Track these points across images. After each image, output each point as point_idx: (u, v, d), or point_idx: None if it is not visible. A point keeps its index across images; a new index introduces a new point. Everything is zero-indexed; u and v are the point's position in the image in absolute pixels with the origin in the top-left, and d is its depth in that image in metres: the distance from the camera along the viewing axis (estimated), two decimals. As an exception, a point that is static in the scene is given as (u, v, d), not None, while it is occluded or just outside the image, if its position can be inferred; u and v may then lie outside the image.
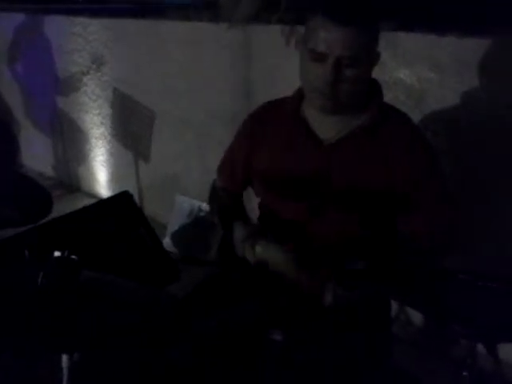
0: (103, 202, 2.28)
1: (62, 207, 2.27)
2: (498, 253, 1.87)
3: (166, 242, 2.64)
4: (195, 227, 2.61)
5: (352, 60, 1.22)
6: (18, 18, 3.47)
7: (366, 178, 1.34)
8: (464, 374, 1.16)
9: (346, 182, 1.35)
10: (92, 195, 3.43)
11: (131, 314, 1.18)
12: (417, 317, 2.04)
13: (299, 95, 1.39)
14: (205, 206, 2.57)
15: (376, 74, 1.37)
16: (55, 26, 3.28)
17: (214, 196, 1.64)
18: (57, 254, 1.09)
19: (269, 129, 1.45)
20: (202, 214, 2.60)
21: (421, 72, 1.90)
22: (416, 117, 1.49)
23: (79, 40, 3.12)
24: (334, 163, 1.35)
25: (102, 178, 3.39)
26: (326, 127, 1.36)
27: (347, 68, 1.23)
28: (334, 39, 1.20)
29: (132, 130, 3.02)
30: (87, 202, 2.76)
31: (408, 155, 1.33)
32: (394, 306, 1.60)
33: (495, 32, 1.77)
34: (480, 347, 1.20)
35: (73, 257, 1.11)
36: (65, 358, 1.05)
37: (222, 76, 2.52)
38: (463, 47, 1.80)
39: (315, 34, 1.23)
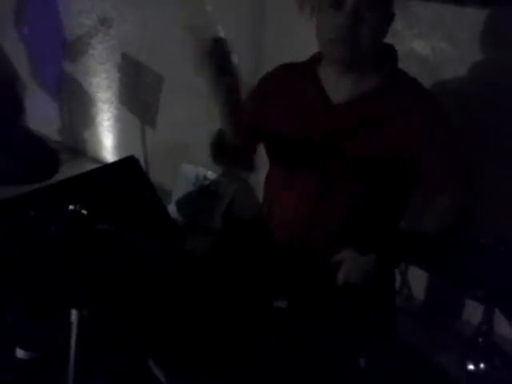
0: (109, 166, 2.27)
1: (68, 172, 2.26)
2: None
3: (171, 208, 2.64)
4: (200, 195, 2.61)
5: (369, 4, 1.23)
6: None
7: (375, 139, 1.34)
8: (480, 340, 1.16)
9: (355, 144, 1.34)
10: (98, 160, 3.42)
11: (148, 268, 1.19)
12: (419, 290, 2.05)
13: (315, 59, 1.40)
14: (210, 174, 2.56)
15: (389, 43, 1.35)
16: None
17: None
18: (69, 207, 1.10)
19: (282, 91, 1.46)
20: (207, 182, 2.59)
21: (435, 43, 1.86)
22: (429, 88, 1.46)
23: (87, 1, 3.06)
24: (344, 124, 1.35)
25: (108, 144, 3.37)
26: (339, 89, 1.36)
27: (365, 13, 1.23)
28: None
29: (139, 95, 2.99)
30: (93, 166, 2.75)
31: (418, 120, 1.32)
32: (397, 279, 1.59)
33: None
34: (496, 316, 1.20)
35: (84, 211, 1.11)
36: (74, 313, 1.05)
37: (233, 40, 2.47)
38: (480, 19, 1.76)
39: None
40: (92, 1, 3.03)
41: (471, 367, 1.19)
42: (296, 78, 1.43)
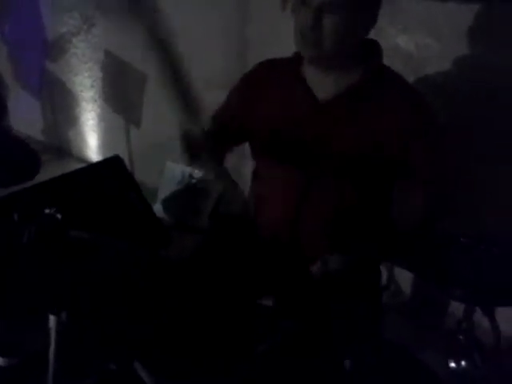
0: (93, 166, 2.25)
1: (52, 172, 2.24)
2: (500, 216, 1.86)
3: (157, 208, 2.62)
4: (186, 194, 2.59)
5: (334, 7, 1.23)
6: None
7: (359, 136, 1.34)
8: (460, 337, 1.16)
9: (341, 140, 1.35)
10: (82, 160, 3.39)
11: (121, 271, 1.18)
12: (406, 286, 2.05)
13: (298, 56, 1.39)
14: (196, 173, 2.55)
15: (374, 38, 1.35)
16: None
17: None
18: (43, 211, 1.08)
19: (266, 87, 1.46)
20: (193, 180, 2.58)
21: (419, 39, 1.86)
22: (413, 84, 1.47)
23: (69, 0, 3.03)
24: (329, 120, 1.36)
25: (92, 143, 3.34)
26: (323, 86, 1.36)
27: (329, 15, 1.24)
28: None
29: (123, 93, 2.97)
30: (78, 166, 2.72)
31: (403, 115, 1.32)
32: (384, 275, 1.59)
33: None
34: (476, 315, 1.21)
35: (59, 215, 1.09)
36: (52, 318, 1.03)
37: (217, 37, 2.46)
38: (463, 14, 1.76)
39: None
40: (75, -1, 3.00)
41: (453, 365, 1.20)
42: (280, 74, 1.43)
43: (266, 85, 1.46)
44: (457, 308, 1.67)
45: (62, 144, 3.54)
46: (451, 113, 1.82)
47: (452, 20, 1.79)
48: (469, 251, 1.13)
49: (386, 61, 1.40)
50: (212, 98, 2.44)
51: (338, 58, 1.32)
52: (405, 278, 2.01)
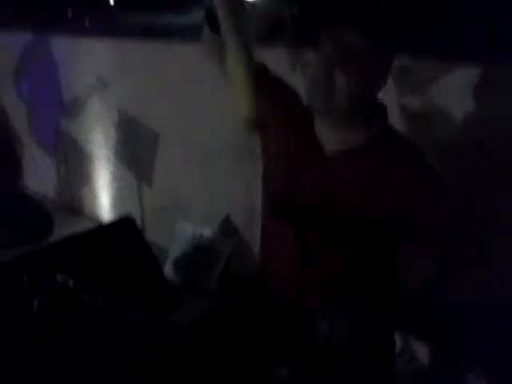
0: (105, 227, 2.26)
1: (65, 231, 2.25)
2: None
3: (168, 269, 2.60)
4: (197, 254, 2.57)
5: (347, 58, 1.24)
6: (26, 36, 3.47)
7: (363, 193, 1.33)
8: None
9: (345, 198, 1.34)
10: (94, 219, 3.40)
11: (133, 341, 1.15)
12: (422, 353, 1.98)
13: (308, 109, 1.40)
14: (207, 232, 2.54)
15: (381, 98, 1.37)
16: (62, 47, 3.29)
17: None
18: (54, 278, 1.07)
19: (282, 130, 1.47)
20: (204, 240, 2.56)
21: (425, 98, 1.88)
22: (419, 142, 1.47)
23: (85, 61, 3.12)
24: (334, 175, 1.36)
25: (104, 202, 3.37)
26: (331, 139, 1.37)
27: (341, 70, 1.25)
28: (338, 39, 1.25)
29: (136, 152, 3.01)
30: (89, 225, 2.73)
31: (407, 178, 1.32)
32: (398, 342, 1.55)
33: (497, 59, 1.76)
34: None
35: (71, 282, 1.08)
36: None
37: (227, 100, 2.51)
38: (467, 75, 1.79)
39: (322, 40, 1.28)
40: (91, 61, 3.09)
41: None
42: (295, 122, 1.44)
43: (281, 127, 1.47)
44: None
45: (75, 203, 3.57)
46: (457, 167, 1.82)
47: (457, 80, 1.81)
48: (480, 320, 1.09)
49: (393, 120, 1.41)
50: (224, 155, 2.47)
51: (347, 114, 1.32)
52: (420, 345, 1.95)
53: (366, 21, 1.28)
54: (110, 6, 3.30)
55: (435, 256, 1.38)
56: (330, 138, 1.37)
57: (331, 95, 1.27)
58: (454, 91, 1.83)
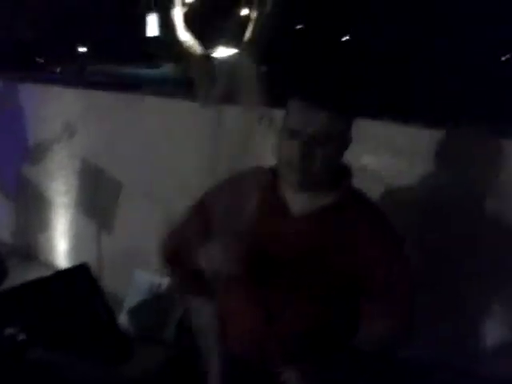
0: (60, 274, 2.21)
1: (18, 276, 2.19)
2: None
3: (122, 318, 2.54)
4: (153, 304, 2.53)
5: (323, 140, 1.28)
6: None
7: (330, 254, 1.35)
8: None
9: (311, 256, 1.35)
10: (50, 265, 3.32)
11: None
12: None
13: (275, 170, 1.43)
14: (165, 282, 2.51)
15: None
16: (30, 94, 3.29)
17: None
18: (3, 331, 1.03)
19: (241, 197, 1.43)
20: (161, 290, 2.53)
21: (383, 158, 1.96)
22: (378, 201, 1.52)
23: (52, 109, 3.13)
24: (302, 236, 1.37)
25: (61, 248, 3.30)
26: (298, 203, 1.38)
27: (317, 147, 1.28)
28: (308, 119, 1.28)
29: (97, 201, 2.99)
30: (44, 272, 2.67)
31: (371, 238, 1.35)
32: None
33: (456, 124, 1.87)
34: None
35: (21, 335, 1.05)
36: None
37: (191, 152, 2.55)
38: (423, 137, 1.88)
39: (291, 113, 1.32)
40: (58, 108, 3.10)
41: None
42: (257, 185, 1.45)
43: (240, 194, 1.45)
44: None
45: (31, 248, 3.49)
46: (414, 225, 1.88)
47: (413, 142, 1.90)
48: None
49: (354, 179, 1.45)
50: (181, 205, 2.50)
51: (320, 182, 1.36)
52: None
53: (336, 100, 1.32)
54: (80, 55, 3.36)
55: (396, 316, 1.39)
56: (297, 200, 1.39)
57: (306, 169, 1.30)
58: (412, 152, 1.91)
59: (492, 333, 1.85)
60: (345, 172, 1.43)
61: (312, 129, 1.28)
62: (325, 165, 1.31)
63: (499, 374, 1.79)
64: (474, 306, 1.87)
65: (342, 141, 1.35)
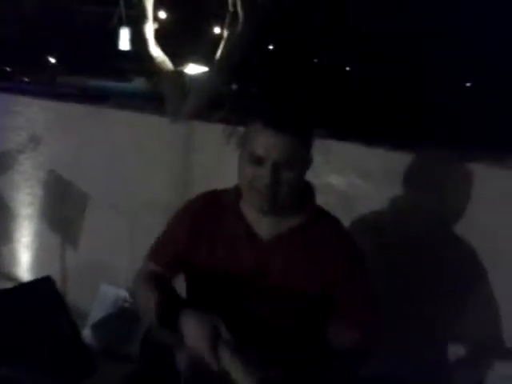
0: (23, 287, 2.17)
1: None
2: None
3: (86, 332, 2.51)
4: (118, 318, 2.50)
5: (288, 164, 1.28)
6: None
7: (297, 276, 1.36)
8: None
9: (279, 279, 1.36)
10: (12, 278, 3.25)
11: None
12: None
13: (238, 192, 1.41)
14: (130, 297, 2.49)
15: (308, 177, 1.44)
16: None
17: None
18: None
19: (207, 220, 1.44)
20: (126, 304, 2.50)
21: (350, 179, 2.01)
22: (345, 221, 1.56)
23: (19, 119, 3.09)
24: (268, 259, 1.37)
25: (24, 261, 3.24)
26: (264, 225, 1.39)
27: (284, 171, 1.28)
28: (272, 144, 1.26)
29: (63, 213, 2.95)
30: (6, 284, 2.61)
31: (336, 257, 1.37)
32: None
33: (419, 147, 1.93)
34: None
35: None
36: None
37: (160, 167, 2.56)
38: (389, 159, 1.93)
39: (254, 138, 1.29)
40: (25, 118, 3.07)
41: None
42: (220, 208, 1.44)
43: (207, 217, 1.45)
44: None
45: (-7, 261, 3.41)
46: (377, 243, 1.93)
47: (380, 164, 1.95)
48: None
49: (320, 198, 1.48)
50: (150, 219, 2.50)
51: (286, 206, 1.36)
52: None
53: (298, 125, 1.30)
54: (50, 66, 3.34)
55: (361, 331, 1.38)
56: (262, 223, 1.39)
57: (274, 195, 1.30)
58: (378, 174, 1.96)
59: (454, 350, 1.90)
60: (308, 192, 1.43)
61: (276, 155, 1.26)
62: (291, 188, 1.31)
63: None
64: (436, 325, 1.92)
65: (305, 163, 1.35)
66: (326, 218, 1.44)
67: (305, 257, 1.37)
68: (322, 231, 1.39)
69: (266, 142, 1.27)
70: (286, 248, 1.37)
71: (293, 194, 1.34)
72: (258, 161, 1.28)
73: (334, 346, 1.38)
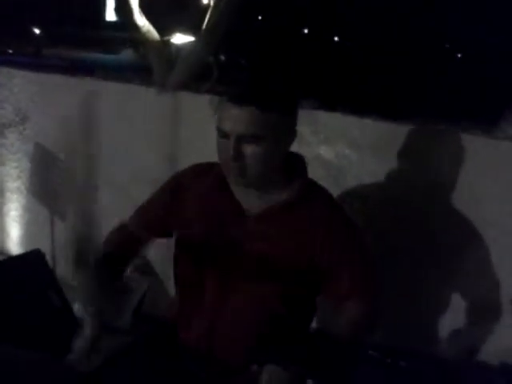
0: (12, 260, 2.17)
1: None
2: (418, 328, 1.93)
3: (77, 306, 2.51)
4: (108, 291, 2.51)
5: (253, 138, 1.27)
6: None
7: (286, 251, 1.36)
8: None
9: (267, 255, 1.36)
10: (1, 252, 3.24)
11: None
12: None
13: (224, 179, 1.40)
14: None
15: (296, 148, 1.43)
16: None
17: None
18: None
19: (195, 192, 1.45)
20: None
21: (339, 149, 2.00)
22: (334, 191, 1.56)
23: (3, 91, 3.03)
24: (256, 235, 1.37)
25: (13, 234, 3.22)
26: (250, 199, 1.38)
27: (249, 145, 1.27)
28: (234, 118, 1.27)
29: (50, 186, 2.93)
30: (-5, 258, 2.61)
31: (327, 231, 1.37)
32: None
33: (407, 119, 1.93)
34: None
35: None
36: None
37: (147, 139, 2.53)
38: (378, 130, 1.93)
39: (221, 112, 1.30)
40: (9, 90, 3.01)
41: None
42: (208, 181, 1.43)
43: (194, 189, 1.46)
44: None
45: (-19, 235, 3.39)
46: (366, 213, 1.93)
47: (368, 134, 1.95)
48: (375, 365, 1.14)
49: (309, 169, 1.47)
50: (138, 192, 2.50)
51: (263, 181, 1.35)
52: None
53: (260, 99, 1.26)
54: (35, 37, 3.27)
55: (357, 306, 1.40)
56: (247, 199, 1.38)
57: (240, 169, 1.29)
58: (365, 144, 1.96)
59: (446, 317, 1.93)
60: (298, 166, 1.42)
61: (239, 128, 1.26)
62: (262, 162, 1.29)
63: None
64: (425, 293, 1.95)
65: (279, 136, 1.31)
66: (317, 192, 1.43)
67: (291, 231, 1.36)
68: (312, 206, 1.38)
69: (229, 116, 1.27)
70: (270, 223, 1.37)
71: (265, 168, 1.31)
72: (225, 134, 1.29)
73: (333, 320, 1.39)
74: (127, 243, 1.57)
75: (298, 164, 1.42)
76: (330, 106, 2.11)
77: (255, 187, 1.36)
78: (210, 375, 1.41)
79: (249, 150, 1.28)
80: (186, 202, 1.46)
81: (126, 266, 1.59)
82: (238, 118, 1.26)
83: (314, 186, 1.44)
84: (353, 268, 1.39)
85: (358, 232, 1.44)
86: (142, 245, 1.60)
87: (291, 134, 1.35)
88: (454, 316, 1.91)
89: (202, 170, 1.48)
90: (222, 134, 1.30)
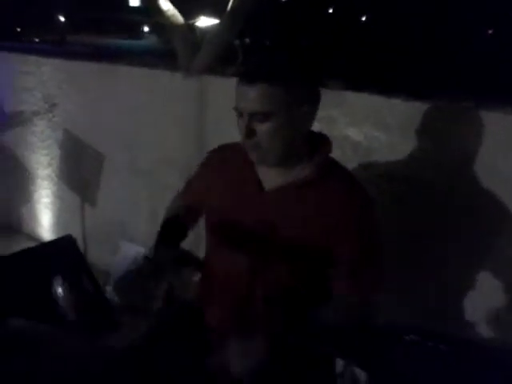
0: (45, 246, 2.21)
1: (1, 249, 2.18)
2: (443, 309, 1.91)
3: (109, 289, 2.56)
4: (139, 275, 2.55)
5: (264, 115, 1.28)
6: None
7: (303, 229, 1.36)
8: None
9: (284, 232, 1.37)
10: (33, 238, 3.31)
11: (64, 368, 1.12)
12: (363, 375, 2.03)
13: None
14: (150, 253, 2.51)
15: (325, 129, 1.42)
16: (7, 64, 3.23)
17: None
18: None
19: (221, 169, 1.51)
20: (147, 261, 2.54)
21: (368, 130, 1.97)
22: (361, 172, 1.53)
23: (31, 79, 3.08)
24: (271, 210, 1.38)
25: (45, 221, 3.29)
26: (271, 176, 1.40)
27: (260, 122, 1.29)
28: (245, 97, 1.29)
29: (80, 173, 2.97)
30: (28, 244, 2.66)
31: (343, 210, 1.36)
32: (339, 363, 1.58)
33: (437, 98, 1.88)
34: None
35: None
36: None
37: (174, 124, 2.54)
38: (407, 110, 1.89)
39: (236, 91, 1.32)
40: (37, 79, 3.05)
41: None
42: (233, 160, 1.47)
43: (220, 169, 1.51)
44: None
45: (13, 221, 3.47)
46: (394, 195, 1.90)
47: (397, 114, 1.91)
48: (413, 350, 1.12)
49: (336, 149, 1.46)
50: (165, 176, 2.50)
51: (280, 157, 1.36)
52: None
53: (269, 77, 1.27)
54: (60, 25, 3.29)
55: (371, 283, 1.40)
56: (269, 175, 1.40)
57: (255, 146, 1.32)
58: (394, 125, 1.92)
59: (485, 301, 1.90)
60: (323, 143, 1.42)
61: (250, 106, 1.28)
62: (274, 139, 1.31)
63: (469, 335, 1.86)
64: (444, 272, 1.92)
65: (289, 114, 1.30)
66: (337, 171, 1.42)
67: (307, 208, 1.37)
68: (331, 184, 1.37)
69: (241, 95, 1.30)
70: (287, 198, 1.38)
71: (282, 144, 1.32)
72: (240, 113, 1.32)
73: (340, 301, 1.39)
74: (181, 214, 1.61)
75: (321, 143, 1.42)
76: (357, 86, 2.07)
77: (273, 164, 1.38)
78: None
79: (260, 127, 1.30)
80: (214, 180, 1.51)
81: (185, 234, 1.61)
82: (247, 96, 1.29)
83: (335, 165, 1.43)
84: (362, 251, 1.38)
85: (373, 215, 1.41)
86: (193, 216, 1.64)
87: (306, 110, 1.33)
88: (491, 300, 1.88)
89: (229, 148, 1.53)
90: (238, 114, 1.33)
